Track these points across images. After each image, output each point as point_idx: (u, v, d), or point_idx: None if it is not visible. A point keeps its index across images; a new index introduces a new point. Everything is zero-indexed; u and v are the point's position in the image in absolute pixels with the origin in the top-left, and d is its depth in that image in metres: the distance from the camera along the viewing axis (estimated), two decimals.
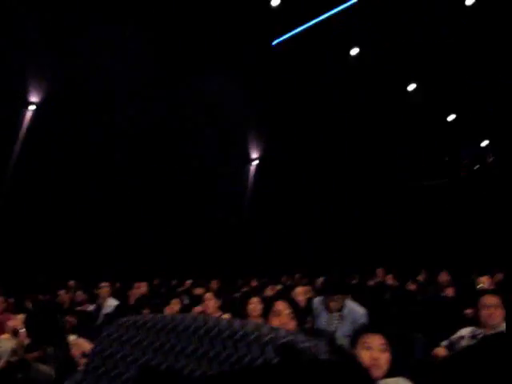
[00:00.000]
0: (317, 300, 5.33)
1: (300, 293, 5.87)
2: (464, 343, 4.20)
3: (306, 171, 17.99)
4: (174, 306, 6.25)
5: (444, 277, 6.58)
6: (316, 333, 4.20)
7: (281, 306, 3.62)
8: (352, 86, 17.27)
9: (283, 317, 3.54)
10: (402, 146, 18.78)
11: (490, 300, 4.17)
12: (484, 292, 4.42)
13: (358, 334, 3.21)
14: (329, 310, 5.01)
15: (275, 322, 3.54)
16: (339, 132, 18.05)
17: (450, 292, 6.31)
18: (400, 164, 19.29)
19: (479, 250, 16.00)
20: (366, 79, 17.26)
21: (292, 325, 3.57)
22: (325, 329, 4.89)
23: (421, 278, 9.82)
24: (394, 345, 3.11)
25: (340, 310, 4.98)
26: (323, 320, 5.01)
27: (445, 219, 17.98)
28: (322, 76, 17.00)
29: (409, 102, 18.28)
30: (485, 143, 19.04)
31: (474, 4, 15.05)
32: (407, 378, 3.02)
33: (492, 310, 4.13)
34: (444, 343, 4.31)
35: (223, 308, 6.15)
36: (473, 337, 4.18)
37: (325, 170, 18.17)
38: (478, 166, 18.97)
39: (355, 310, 5.01)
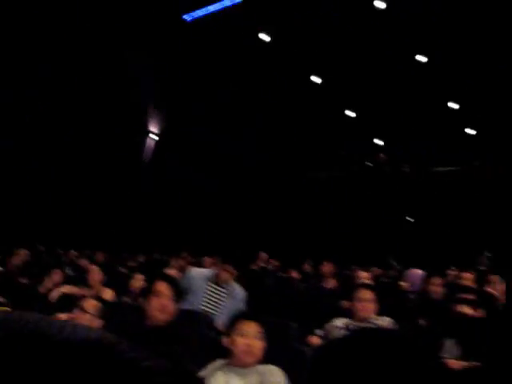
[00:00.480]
0: (197, 271, 5.25)
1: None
2: (337, 333, 4.38)
3: (203, 150, 17.96)
4: (55, 277, 6.04)
5: (327, 268, 6.79)
6: (187, 315, 4.11)
7: (161, 286, 3.57)
8: (259, 69, 17.36)
9: (163, 298, 3.50)
10: (301, 136, 19.21)
11: (365, 294, 4.37)
12: (360, 286, 4.62)
13: (234, 319, 3.25)
14: (218, 281, 4.99)
15: (155, 302, 3.49)
16: (248, 116, 18.17)
17: (331, 283, 6.51)
18: (296, 154, 19.72)
19: (362, 243, 16.79)
20: (275, 65, 17.41)
21: (171, 307, 3.54)
22: (204, 307, 4.85)
23: (306, 266, 10.06)
24: (269, 333, 3.17)
25: (227, 285, 4.98)
26: (203, 293, 4.96)
27: (333, 211, 18.62)
28: (231, 57, 16.98)
29: (311, 94, 18.67)
30: (377, 141, 19.86)
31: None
32: (281, 366, 3.11)
33: (365, 303, 4.33)
34: (318, 332, 4.46)
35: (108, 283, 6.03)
36: (346, 328, 4.37)
37: (221, 151, 18.23)
38: (369, 163, 19.77)
39: (237, 291, 5.04)
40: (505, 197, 16.29)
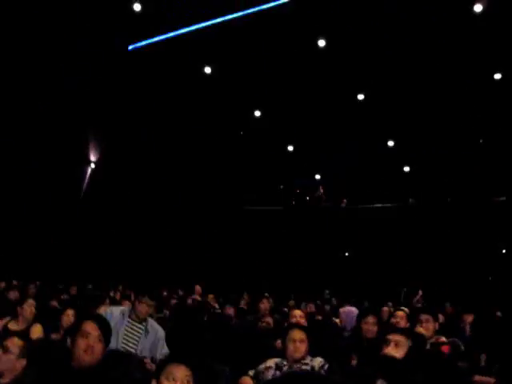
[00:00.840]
0: (115, 309, 4.96)
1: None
2: (270, 374, 4.34)
3: (144, 179, 17.75)
4: None
5: (264, 304, 6.73)
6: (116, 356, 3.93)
7: (89, 326, 3.45)
8: (200, 104, 17.39)
9: (89, 339, 3.38)
10: (242, 169, 19.28)
11: (296, 334, 4.35)
12: (292, 326, 4.62)
13: (163, 362, 3.17)
14: (135, 316, 4.78)
15: (81, 343, 3.37)
16: (182, 147, 18.08)
17: (268, 321, 6.42)
18: (238, 188, 19.76)
19: (301, 277, 16.88)
20: (216, 99, 17.49)
21: (99, 348, 3.42)
22: (124, 346, 4.65)
23: (242, 302, 9.99)
24: (198, 376, 3.10)
25: (144, 321, 4.77)
26: (124, 332, 4.72)
27: (274, 245, 18.68)
28: (173, 88, 16.95)
29: (252, 128, 18.83)
30: (317, 176, 20.15)
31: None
32: None
33: (297, 344, 4.31)
34: (251, 373, 4.40)
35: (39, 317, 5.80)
36: (278, 368, 4.33)
37: (163, 181, 18.08)
38: (308, 198, 20.00)
39: (157, 328, 4.84)
40: (437, 233, 16.80)
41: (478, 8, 14.49)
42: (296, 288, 15.40)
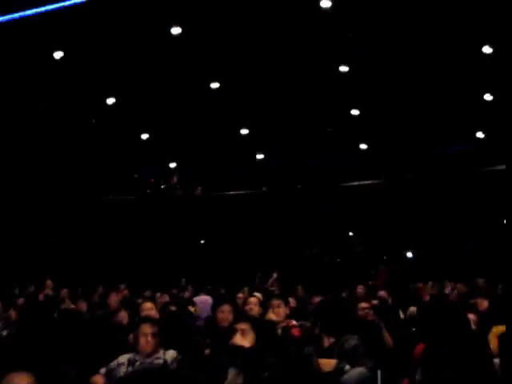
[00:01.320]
0: None
1: None
2: (122, 371, 4.24)
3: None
4: None
5: (114, 298, 6.55)
6: None
7: None
8: (49, 90, 16.46)
9: None
10: (96, 159, 18.64)
11: (146, 329, 4.29)
12: (142, 320, 4.55)
13: (1, 372, 2.96)
14: None
15: None
16: (40, 136, 17.11)
17: (121, 315, 6.25)
18: (93, 177, 19.11)
19: (157, 266, 16.76)
20: (67, 86, 16.62)
21: None
22: None
23: (95, 297, 9.68)
24: (44, 381, 2.93)
25: None
26: None
27: (130, 235, 18.35)
28: (24, 73, 15.84)
29: (105, 116, 18.19)
30: (172, 165, 20.00)
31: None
32: None
33: (148, 338, 4.25)
34: (102, 371, 4.28)
35: None
36: (130, 364, 4.24)
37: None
38: (164, 185, 19.85)
39: None
40: (290, 218, 17.43)
41: None
42: (153, 278, 15.26)
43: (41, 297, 10.26)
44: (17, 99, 16.18)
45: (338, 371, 3.93)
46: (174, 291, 12.31)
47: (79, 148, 18.26)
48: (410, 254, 17.98)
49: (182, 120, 17.91)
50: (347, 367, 3.95)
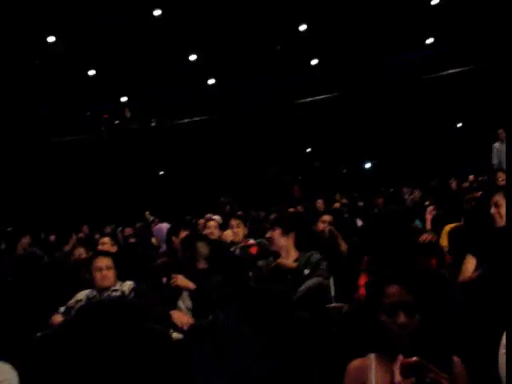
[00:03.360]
0: None
1: None
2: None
3: None
4: None
5: (73, 239, 6.49)
6: None
7: None
8: None
9: None
10: (43, 99, 18.08)
11: (101, 262, 4.28)
12: (96, 253, 4.53)
13: None
14: None
15: None
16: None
17: (78, 252, 6.21)
18: (41, 118, 18.60)
19: (118, 201, 16.73)
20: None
21: None
22: None
23: (51, 237, 9.60)
24: None
25: None
26: None
27: (88, 174, 18.15)
28: None
29: (49, 54, 17.49)
30: (123, 99, 19.54)
31: None
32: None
33: (104, 272, 4.24)
34: (61, 309, 4.28)
35: None
36: (88, 300, 4.25)
37: None
38: (117, 121, 19.48)
39: None
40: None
41: None
42: (116, 214, 15.25)
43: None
44: None
45: (298, 272, 4.03)
46: (138, 225, 12.35)
47: (26, 90, 17.68)
48: (368, 165, 18.22)
49: (128, 51, 17.36)
50: (306, 271, 4.05)
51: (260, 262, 4.24)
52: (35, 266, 5.79)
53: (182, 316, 3.84)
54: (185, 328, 3.64)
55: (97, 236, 7.17)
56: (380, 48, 16.75)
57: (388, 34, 16.16)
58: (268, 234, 4.23)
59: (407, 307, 2.14)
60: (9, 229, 12.77)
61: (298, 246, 4.45)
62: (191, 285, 4.19)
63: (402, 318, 2.12)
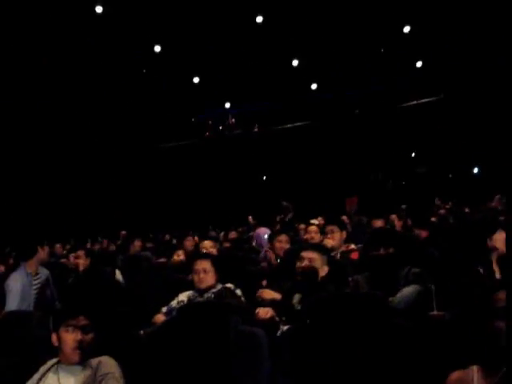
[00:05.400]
0: None
1: None
2: None
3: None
4: None
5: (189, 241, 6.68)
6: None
7: None
8: (95, 44, 16.54)
9: None
10: (149, 107, 18.81)
11: (199, 264, 4.38)
12: (196, 257, 4.63)
13: (60, 314, 3.13)
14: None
15: None
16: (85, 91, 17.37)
17: (179, 254, 6.38)
18: (148, 126, 19.35)
19: (222, 206, 17.04)
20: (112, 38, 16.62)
21: None
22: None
23: (166, 236, 9.91)
24: (100, 323, 3.08)
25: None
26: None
27: (194, 179, 18.66)
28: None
29: (156, 63, 18.19)
30: (227, 105, 19.94)
31: None
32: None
33: (201, 274, 4.34)
34: (164, 309, 4.42)
35: None
36: (190, 300, 4.36)
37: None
38: (221, 127, 19.91)
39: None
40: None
41: None
42: (219, 218, 15.56)
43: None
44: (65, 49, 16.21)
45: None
46: (240, 229, 12.51)
47: (134, 99, 18.46)
48: (476, 170, 17.46)
49: (231, 58, 17.70)
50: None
51: (357, 276, 4.11)
52: (145, 267, 6.02)
53: (266, 310, 3.75)
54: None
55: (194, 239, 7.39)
56: (488, 48, 16.01)
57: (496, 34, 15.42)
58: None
59: None
60: (123, 232, 13.44)
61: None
62: (277, 296, 4.08)
63: None
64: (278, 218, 12.67)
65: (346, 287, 4.07)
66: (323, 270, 4.11)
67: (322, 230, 6.29)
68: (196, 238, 11.43)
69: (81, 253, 5.61)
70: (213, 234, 10.78)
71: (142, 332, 3.80)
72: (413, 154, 18.50)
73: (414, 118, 17.05)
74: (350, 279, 4.18)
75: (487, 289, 2.29)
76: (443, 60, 16.83)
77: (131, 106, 18.39)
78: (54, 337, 3.03)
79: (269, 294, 4.12)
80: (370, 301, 3.18)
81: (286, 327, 3.57)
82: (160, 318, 4.25)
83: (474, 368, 2.18)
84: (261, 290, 4.19)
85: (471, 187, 14.90)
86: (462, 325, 2.69)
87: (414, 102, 17.65)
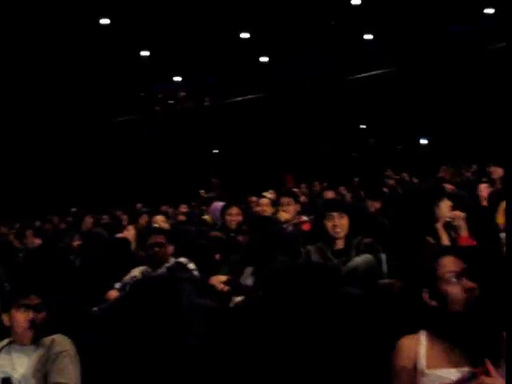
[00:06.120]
0: None
1: None
2: None
3: None
4: None
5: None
6: None
7: None
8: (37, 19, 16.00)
9: None
10: (98, 82, 18.41)
11: (154, 239, 4.36)
12: (152, 231, 4.61)
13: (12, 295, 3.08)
14: None
15: None
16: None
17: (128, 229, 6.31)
18: (98, 100, 18.97)
19: (174, 180, 16.94)
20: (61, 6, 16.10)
21: None
22: None
23: (104, 217, 9.77)
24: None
25: None
26: None
27: (144, 154, 18.46)
28: None
29: (103, 36, 17.74)
30: (177, 79, 19.69)
31: None
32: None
33: (156, 248, 4.33)
34: (117, 285, 4.39)
35: None
36: (143, 276, 4.34)
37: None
38: (171, 101, 19.71)
39: None
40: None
41: None
42: (171, 193, 15.47)
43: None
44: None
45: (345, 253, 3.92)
46: (194, 204, 12.46)
47: (82, 73, 18.04)
48: (424, 141, 17.79)
49: (180, 31, 17.42)
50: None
51: (308, 247, 4.15)
52: (99, 244, 5.94)
53: (218, 277, 3.82)
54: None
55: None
56: (439, 19, 16.18)
57: (446, 4, 15.59)
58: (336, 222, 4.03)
59: (468, 274, 2.18)
60: (73, 209, 13.23)
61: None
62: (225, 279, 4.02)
63: (468, 283, 2.15)
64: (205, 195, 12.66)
65: (297, 258, 4.13)
66: None
67: (275, 203, 6.33)
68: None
69: (28, 232, 5.50)
70: (164, 208, 10.68)
71: (95, 309, 3.77)
72: (363, 127, 18.75)
73: (365, 91, 17.20)
74: (302, 250, 4.23)
75: (434, 256, 2.35)
76: (394, 32, 16.93)
77: (80, 81, 17.96)
78: (5, 317, 2.98)
79: (217, 279, 4.11)
80: (322, 271, 3.24)
81: (238, 298, 3.60)
82: (113, 294, 4.23)
83: (423, 332, 2.24)
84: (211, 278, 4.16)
85: (419, 158, 15.20)
86: (412, 292, 2.76)
87: (365, 75, 17.75)
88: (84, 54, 17.59)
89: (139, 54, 18.53)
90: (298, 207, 6.03)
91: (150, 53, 18.62)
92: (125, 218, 8.31)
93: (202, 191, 14.52)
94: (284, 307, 3.00)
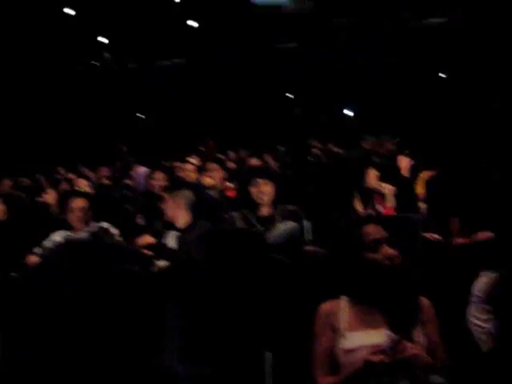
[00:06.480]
0: None
1: None
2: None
3: None
4: None
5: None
6: None
7: None
8: None
9: None
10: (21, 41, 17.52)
11: (76, 203, 4.25)
12: (71, 194, 4.49)
13: None
14: None
15: None
16: None
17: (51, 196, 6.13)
18: (17, 61, 18.11)
19: (92, 142, 16.58)
20: None
21: None
22: None
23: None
24: None
25: None
26: None
27: (64, 116, 17.95)
28: None
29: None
30: (102, 39, 19.06)
31: None
32: None
33: (78, 212, 4.21)
34: (36, 250, 4.25)
35: None
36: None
37: None
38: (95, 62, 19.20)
39: None
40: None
41: None
42: (95, 155, 15.10)
43: None
44: None
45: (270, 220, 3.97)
46: (118, 164, 12.18)
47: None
48: (350, 113, 18.06)
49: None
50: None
51: (233, 213, 4.15)
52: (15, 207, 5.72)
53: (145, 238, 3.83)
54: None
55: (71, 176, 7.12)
56: None
57: None
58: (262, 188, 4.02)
59: (389, 242, 2.24)
60: None
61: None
62: (152, 240, 4.11)
63: (389, 251, 2.21)
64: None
65: (221, 224, 4.14)
66: None
67: (200, 169, 6.29)
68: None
69: None
70: (84, 170, 10.34)
71: (14, 274, 3.66)
72: (290, 96, 18.83)
73: (291, 59, 17.21)
74: (226, 216, 4.24)
75: (358, 223, 2.41)
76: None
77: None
78: None
79: (143, 239, 4.11)
80: (247, 236, 3.25)
81: (161, 263, 3.58)
82: (33, 258, 4.09)
83: (344, 298, 2.29)
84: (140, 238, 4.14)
85: (344, 129, 15.45)
86: (334, 258, 2.82)
87: (294, 45, 17.71)
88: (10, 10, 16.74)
89: (64, 13, 17.81)
90: (223, 174, 6.01)
91: (76, 12, 17.93)
92: (43, 180, 8.00)
93: (125, 149, 14.30)
94: (209, 271, 3.01)
